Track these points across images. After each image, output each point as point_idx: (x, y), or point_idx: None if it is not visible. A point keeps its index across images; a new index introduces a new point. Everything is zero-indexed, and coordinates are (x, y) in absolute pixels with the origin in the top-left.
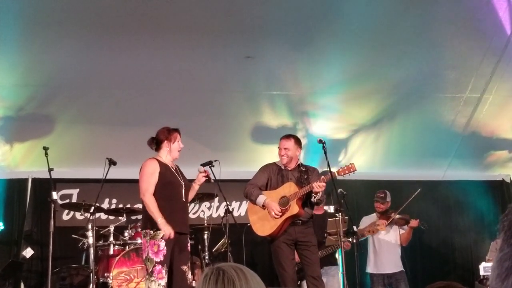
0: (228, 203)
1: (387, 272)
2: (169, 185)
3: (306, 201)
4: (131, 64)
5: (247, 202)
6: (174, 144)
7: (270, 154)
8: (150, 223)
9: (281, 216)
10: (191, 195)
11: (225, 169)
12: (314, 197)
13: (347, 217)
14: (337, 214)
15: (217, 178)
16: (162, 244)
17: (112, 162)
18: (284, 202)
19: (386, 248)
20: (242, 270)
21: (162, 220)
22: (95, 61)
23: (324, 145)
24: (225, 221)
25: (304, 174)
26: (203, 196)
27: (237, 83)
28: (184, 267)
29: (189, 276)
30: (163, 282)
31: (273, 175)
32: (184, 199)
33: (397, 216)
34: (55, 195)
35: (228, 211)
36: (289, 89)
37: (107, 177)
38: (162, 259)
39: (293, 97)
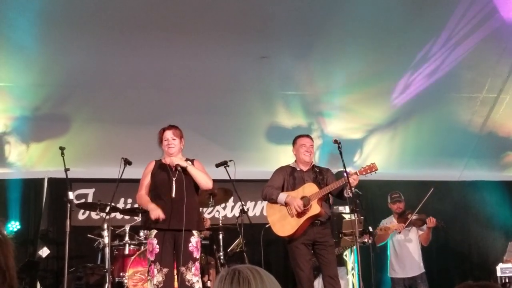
0: (243, 203)
1: (410, 276)
2: (158, 184)
3: (326, 201)
4: (146, 63)
5: (262, 203)
6: (163, 143)
7: (284, 154)
8: (144, 223)
9: (302, 216)
10: (201, 182)
11: (240, 169)
12: (350, 192)
13: (362, 217)
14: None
15: (232, 178)
16: (155, 242)
17: (127, 162)
18: (305, 202)
19: (407, 251)
20: (257, 271)
21: (151, 205)
22: (110, 61)
23: (340, 145)
24: (240, 221)
25: (319, 175)
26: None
27: (252, 83)
28: (182, 268)
29: (188, 277)
30: (155, 280)
31: (288, 177)
32: (174, 195)
33: (414, 217)
34: (71, 195)
35: (243, 211)
36: (304, 89)
37: (123, 177)
38: (154, 258)
39: (308, 97)
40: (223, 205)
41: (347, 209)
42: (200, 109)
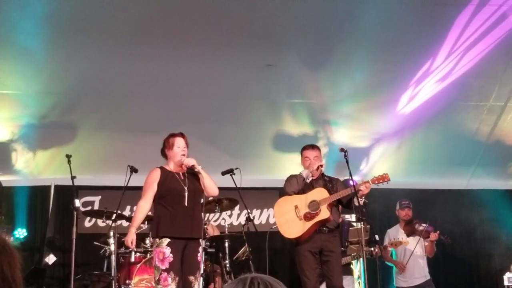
0: (249, 211)
1: (416, 284)
2: (169, 192)
3: (336, 208)
4: (153, 71)
5: (267, 211)
6: (173, 150)
7: (291, 162)
8: (154, 231)
9: (310, 219)
10: (209, 187)
11: (246, 177)
12: (361, 200)
13: (369, 226)
14: (359, 223)
15: (238, 185)
16: (168, 251)
17: (133, 170)
18: (314, 206)
19: (413, 260)
20: (270, 279)
21: (132, 229)
22: (118, 69)
23: (346, 153)
24: (246, 229)
25: (329, 183)
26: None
27: (258, 90)
28: (191, 278)
29: (196, 287)
30: None
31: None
32: (187, 203)
33: (421, 227)
34: (77, 203)
35: (249, 219)
36: (310, 97)
37: (129, 185)
38: (167, 266)
39: (314, 105)
40: (229, 213)
41: (353, 217)
42: (206, 117)
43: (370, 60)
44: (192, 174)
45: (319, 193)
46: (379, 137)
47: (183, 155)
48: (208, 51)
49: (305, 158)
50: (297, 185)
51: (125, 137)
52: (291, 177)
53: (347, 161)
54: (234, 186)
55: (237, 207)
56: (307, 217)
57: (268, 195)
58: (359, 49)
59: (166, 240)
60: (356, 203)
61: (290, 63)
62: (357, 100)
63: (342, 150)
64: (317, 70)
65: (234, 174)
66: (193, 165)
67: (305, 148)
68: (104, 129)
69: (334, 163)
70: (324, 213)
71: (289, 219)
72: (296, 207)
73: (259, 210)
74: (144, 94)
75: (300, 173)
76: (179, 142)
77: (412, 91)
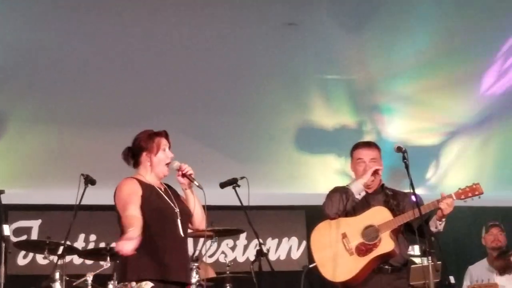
0: (261, 241)
1: None
2: (157, 214)
3: (402, 236)
4: (116, 36)
5: (289, 241)
6: (158, 155)
7: (324, 168)
8: (130, 271)
9: (365, 254)
10: (200, 215)
11: (256, 191)
12: (440, 224)
13: (439, 262)
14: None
15: (245, 203)
16: None
17: (89, 181)
18: (371, 234)
19: None
20: None
21: (133, 232)
22: (62, 32)
23: (405, 154)
24: (257, 267)
25: (392, 199)
26: (223, 231)
27: (274, 63)
28: None
29: None
30: None
31: (346, 201)
32: (181, 232)
33: None
34: (6, 230)
35: (261, 253)
36: (350, 71)
37: (82, 203)
38: None
39: (356, 83)
40: (230, 243)
41: (416, 249)
42: (197, 103)
43: (440, 19)
44: (172, 189)
45: (379, 214)
46: (454, 131)
47: (169, 163)
48: (202, 4)
49: (358, 161)
50: (344, 203)
51: (76, 133)
52: (335, 191)
53: (406, 166)
54: (239, 204)
55: (243, 236)
56: (361, 250)
57: (289, 217)
58: (422, 2)
59: (148, 285)
60: (434, 228)
61: (319, 21)
62: (421, 76)
63: (399, 149)
64: (360, 32)
65: (238, 186)
66: (190, 175)
67: (357, 146)
68: (44, 122)
69: (387, 168)
70: (386, 244)
71: (334, 254)
72: (344, 235)
73: (276, 240)
74: (104, 70)
75: (348, 185)
76: (164, 143)
77: (502, 64)
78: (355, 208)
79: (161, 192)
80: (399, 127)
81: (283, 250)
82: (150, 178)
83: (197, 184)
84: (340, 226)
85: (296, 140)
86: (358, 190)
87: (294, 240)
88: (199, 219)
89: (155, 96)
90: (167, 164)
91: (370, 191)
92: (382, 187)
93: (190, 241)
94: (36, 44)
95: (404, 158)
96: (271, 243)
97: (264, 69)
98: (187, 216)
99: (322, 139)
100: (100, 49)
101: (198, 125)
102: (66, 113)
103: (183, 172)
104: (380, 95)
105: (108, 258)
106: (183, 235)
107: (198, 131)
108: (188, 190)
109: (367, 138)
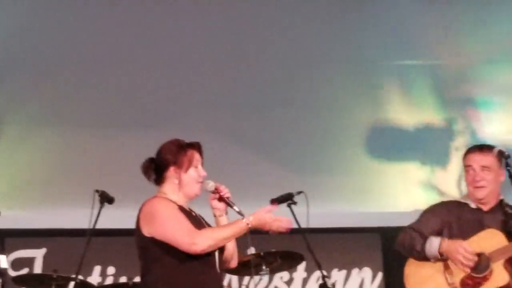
0: (325, 273)
1: None
2: None
3: None
4: (134, 26)
5: (360, 272)
6: (189, 172)
7: (403, 179)
8: None
9: (475, 286)
10: (234, 250)
11: (318, 209)
12: None
13: None
14: None
15: (303, 225)
16: None
17: (105, 199)
18: (480, 265)
19: None
20: None
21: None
22: (74, 24)
23: (509, 160)
24: None
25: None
26: (278, 259)
27: (339, 47)
28: None
29: None
30: None
31: (455, 220)
32: (218, 267)
33: None
34: (3, 261)
35: (325, 287)
36: (435, 56)
37: (98, 226)
38: None
39: (443, 71)
40: (286, 277)
41: None
42: (241, 100)
43: None
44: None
45: (491, 239)
46: None
47: (202, 182)
48: None
49: (466, 168)
50: (420, 249)
51: (88, 137)
52: (434, 208)
53: (510, 175)
54: (296, 226)
55: (301, 267)
56: (468, 285)
57: (360, 243)
58: None
59: None
60: None
61: None
62: None
63: (500, 154)
64: (446, 5)
65: (294, 203)
66: (228, 198)
67: (468, 150)
68: (48, 125)
69: None
70: (500, 277)
71: (433, 284)
72: (446, 266)
73: (344, 271)
74: (120, 64)
75: (430, 240)
76: (197, 159)
77: None
78: (463, 229)
79: (199, 218)
80: (500, 125)
81: (354, 284)
82: (177, 198)
83: (237, 210)
84: None
85: (367, 143)
86: (433, 255)
87: (367, 271)
88: (231, 255)
89: (183, 92)
90: (200, 183)
91: (485, 208)
92: (501, 203)
93: (234, 277)
94: (40, 35)
95: (507, 165)
96: (337, 275)
97: (326, 56)
98: (222, 249)
99: (401, 142)
100: (115, 40)
101: (241, 127)
102: (75, 115)
103: (221, 194)
104: (474, 85)
105: None
106: (219, 270)
107: (241, 135)
108: (223, 217)
109: (459, 139)
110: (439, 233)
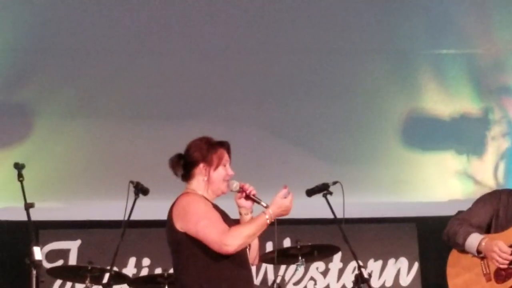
0: (361, 263)
1: None
2: None
3: None
4: (170, 8)
5: (396, 263)
6: (218, 170)
7: (439, 169)
8: None
9: (504, 280)
10: (256, 245)
11: (354, 199)
12: None
13: None
14: None
15: (339, 215)
16: None
17: (140, 190)
18: None
19: None
20: None
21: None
22: (105, 11)
23: None
24: None
25: None
26: (313, 251)
27: (374, 35)
28: None
29: None
30: None
31: (502, 208)
32: (249, 262)
33: None
34: (38, 253)
35: (362, 278)
36: (472, 44)
37: (132, 218)
38: None
39: (480, 59)
40: (322, 267)
41: None
42: (275, 89)
43: None
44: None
45: None
46: None
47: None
48: None
49: None
50: (461, 243)
51: (122, 130)
52: (486, 197)
53: None
54: (331, 216)
55: (337, 257)
56: (501, 275)
57: (396, 233)
58: None
59: None
60: None
61: None
62: None
63: None
64: None
65: (330, 193)
66: (254, 195)
67: None
68: (82, 117)
69: None
70: None
71: (467, 280)
72: (484, 256)
73: (380, 262)
74: (156, 53)
75: (471, 236)
76: (226, 159)
77: None
78: (508, 217)
79: (226, 214)
80: None
81: (389, 274)
82: (206, 195)
83: (264, 205)
84: None
85: (403, 133)
86: (472, 251)
87: (403, 261)
88: (255, 253)
89: (217, 83)
90: (227, 180)
91: None
92: None
93: (270, 266)
94: (73, 25)
95: None
96: (373, 265)
97: (362, 45)
98: (249, 245)
99: (436, 132)
100: (150, 31)
101: (275, 116)
102: (109, 106)
103: (247, 193)
104: (510, 74)
105: (166, 287)
106: (250, 266)
107: (275, 124)
108: (249, 215)
109: (495, 129)
110: (489, 223)
